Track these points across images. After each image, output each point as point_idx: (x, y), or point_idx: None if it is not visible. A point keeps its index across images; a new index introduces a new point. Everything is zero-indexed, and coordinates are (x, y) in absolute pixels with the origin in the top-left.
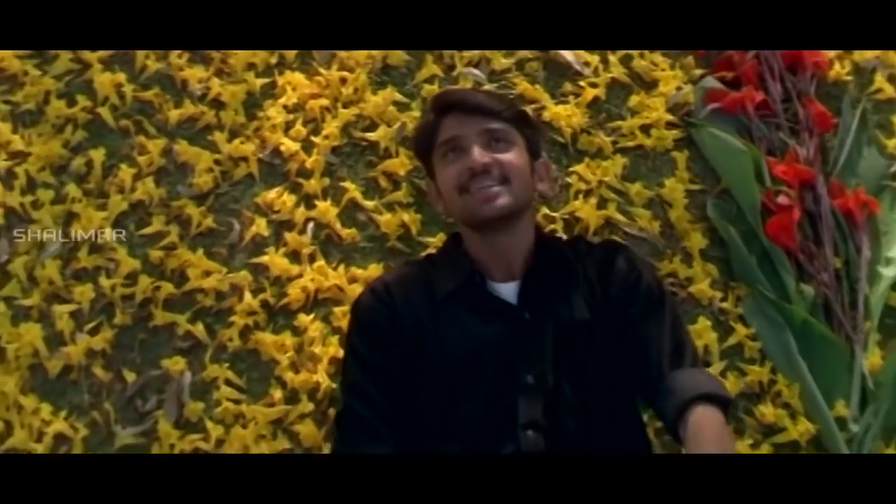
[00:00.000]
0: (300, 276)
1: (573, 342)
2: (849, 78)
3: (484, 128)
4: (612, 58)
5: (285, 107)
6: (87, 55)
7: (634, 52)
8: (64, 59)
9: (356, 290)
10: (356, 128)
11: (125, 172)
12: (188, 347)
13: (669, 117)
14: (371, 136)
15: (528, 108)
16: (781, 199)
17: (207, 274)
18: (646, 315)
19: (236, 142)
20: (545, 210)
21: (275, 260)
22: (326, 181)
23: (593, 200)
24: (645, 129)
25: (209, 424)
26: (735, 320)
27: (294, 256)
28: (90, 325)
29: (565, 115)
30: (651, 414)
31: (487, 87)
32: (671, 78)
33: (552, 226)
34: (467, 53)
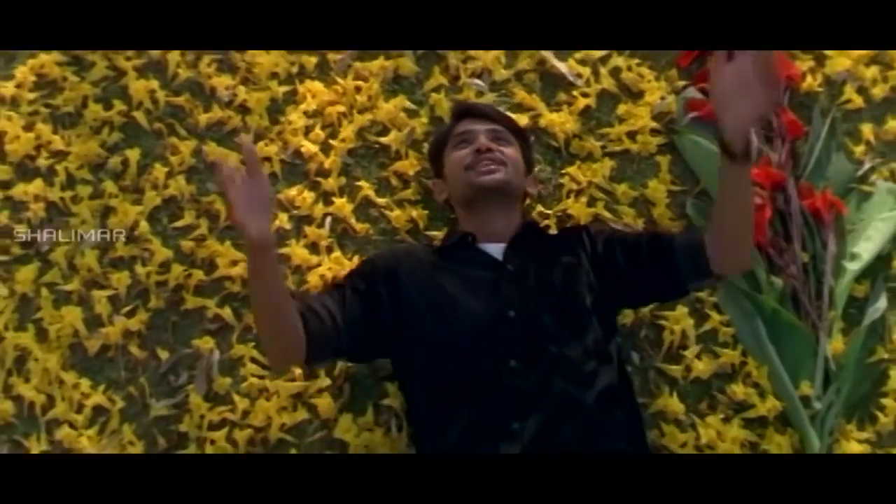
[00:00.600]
0: (319, 265)
1: (550, 287)
2: (820, 90)
3: (490, 128)
4: (603, 70)
5: (305, 112)
6: (122, 63)
7: (623, 65)
8: (101, 67)
9: None
10: (370, 132)
11: (159, 171)
12: (217, 329)
13: (654, 125)
14: (383, 139)
15: (526, 115)
16: (756, 200)
17: (234, 263)
18: (623, 237)
19: (260, 143)
20: (540, 208)
21: (296, 251)
22: (343, 180)
23: (584, 199)
24: (631, 135)
25: (236, 398)
26: (710, 308)
27: (313, 248)
28: (126, 309)
29: (559, 121)
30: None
31: (489, 95)
32: (656, 89)
33: (546, 221)
34: (471, 65)
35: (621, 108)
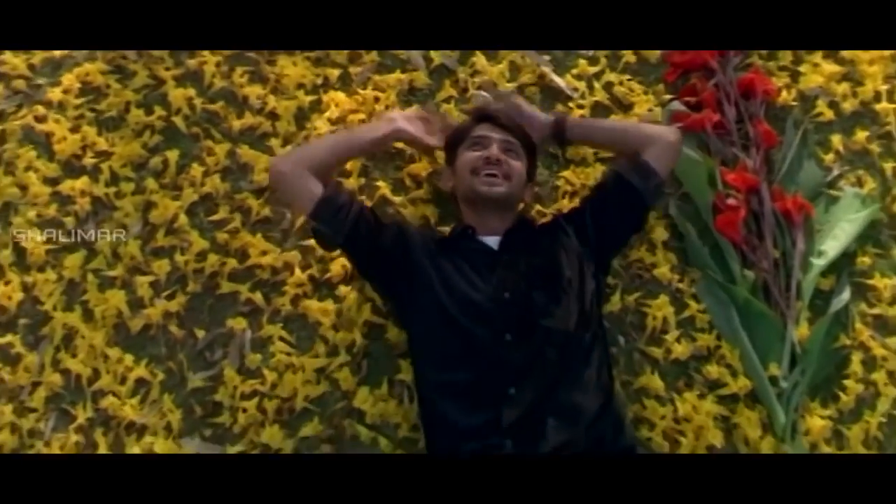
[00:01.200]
0: (340, 255)
1: (543, 272)
2: (794, 103)
3: (505, 138)
4: (597, 84)
5: (329, 119)
6: (162, 72)
7: (615, 80)
8: (142, 76)
9: None
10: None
11: (196, 170)
12: (249, 311)
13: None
14: (398, 143)
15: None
16: (730, 201)
17: (264, 253)
18: (586, 201)
19: (289, 147)
20: (538, 207)
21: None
22: (362, 180)
23: (577, 200)
24: None
25: (266, 371)
26: (689, 298)
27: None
28: (167, 293)
29: None
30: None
31: (494, 106)
32: (644, 102)
33: (543, 220)
34: (478, 78)
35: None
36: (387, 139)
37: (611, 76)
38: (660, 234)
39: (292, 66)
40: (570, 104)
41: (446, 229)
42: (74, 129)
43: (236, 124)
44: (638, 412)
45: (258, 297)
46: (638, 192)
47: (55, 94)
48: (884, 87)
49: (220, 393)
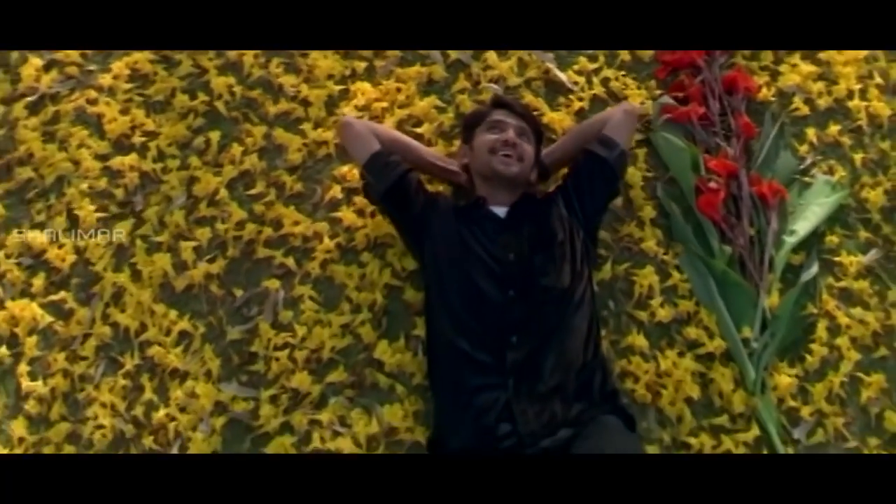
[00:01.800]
0: (364, 226)
1: (541, 238)
2: (773, 99)
3: (520, 124)
4: (595, 79)
5: (356, 107)
6: (206, 62)
7: (611, 76)
8: (186, 65)
9: None
10: (407, 123)
11: (236, 149)
12: (282, 273)
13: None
14: (418, 130)
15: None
16: (712, 185)
17: (297, 223)
18: (567, 178)
19: (319, 130)
20: (541, 188)
21: (346, 215)
22: None
23: None
24: None
25: (296, 326)
26: (672, 269)
27: (360, 213)
28: (208, 257)
29: (559, 119)
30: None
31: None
32: (637, 95)
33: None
34: (490, 73)
35: (608, 111)
36: (446, 172)
37: (608, 72)
38: (648, 212)
39: (323, 59)
40: (571, 97)
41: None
42: (124, 112)
43: (272, 109)
44: (625, 367)
45: (290, 261)
46: (604, 160)
47: (106, 79)
48: (856, 87)
49: (255, 344)
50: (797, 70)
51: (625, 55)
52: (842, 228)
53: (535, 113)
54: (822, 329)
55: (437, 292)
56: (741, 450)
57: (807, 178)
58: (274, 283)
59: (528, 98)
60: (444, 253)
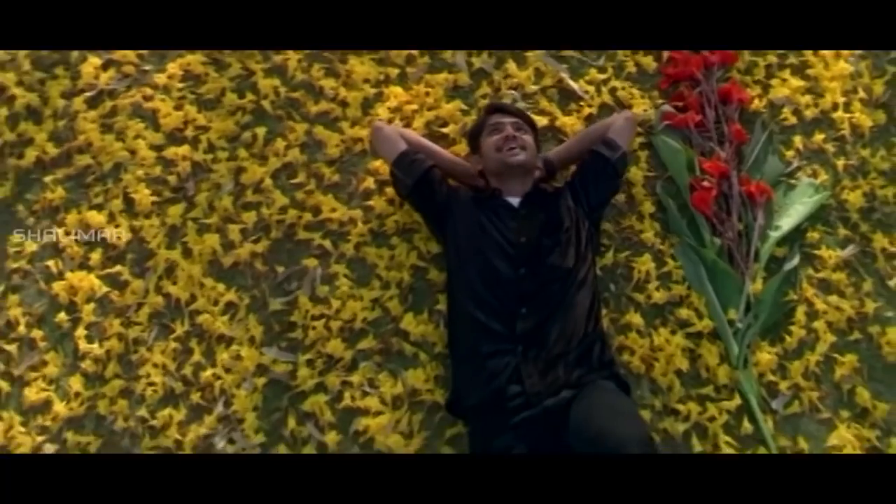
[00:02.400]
0: (394, 213)
1: (550, 225)
2: (764, 110)
3: (514, 121)
4: (604, 89)
5: (389, 108)
6: (253, 65)
7: (619, 86)
8: (236, 67)
9: None
10: (434, 124)
11: (280, 143)
12: (319, 253)
13: (638, 129)
14: (444, 130)
15: (546, 118)
16: (705, 184)
17: (334, 210)
18: (575, 174)
19: (356, 128)
20: (551, 183)
21: (378, 203)
22: None
23: None
24: None
25: (332, 299)
26: (668, 257)
27: (390, 202)
28: (253, 237)
29: (570, 123)
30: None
31: (521, 102)
32: (641, 104)
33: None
34: (509, 80)
35: (612, 117)
36: (464, 172)
37: (615, 83)
38: (647, 207)
39: (360, 65)
40: (582, 103)
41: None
42: (178, 108)
43: (313, 109)
44: (622, 342)
45: (327, 243)
46: (608, 160)
47: (161, 78)
48: (841, 100)
49: (294, 315)
50: (787, 84)
51: (631, 67)
52: (823, 226)
53: (548, 118)
54: (801, 313)
55: (458, 271)
56: (723, 417)
57: (792, 181)
58: (312, 262)
59: (543, 103)
60: (463, 237)
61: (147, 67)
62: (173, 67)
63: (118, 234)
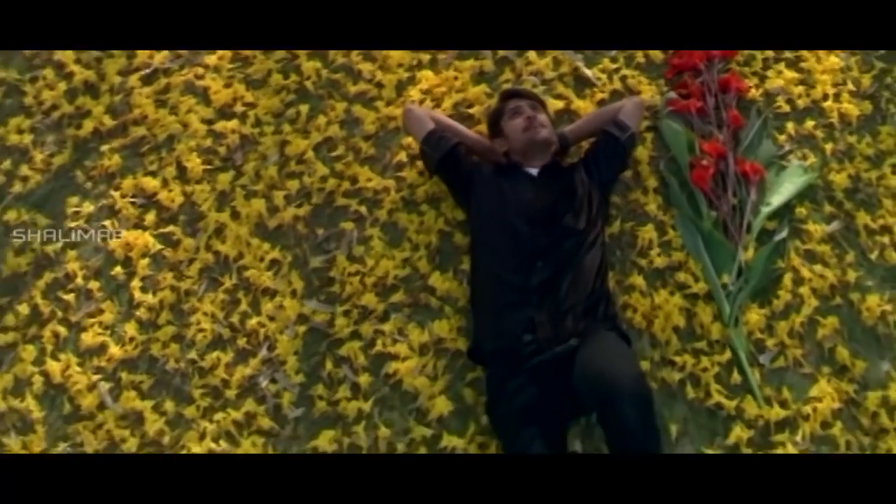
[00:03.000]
0: (423, 184)
1: (564, 192)
2: (760, 99)
3: (530, 102)
4: (615, 76)
5: (420, 90)
6: (297, 50)
7: (629, 74)
8: (280, 51)
9: None
10: (461, 106)
11: (321, 120)
12: (356, 218)
13: (645, 113)
14: (470, 111)
15: (562, 102)
16: (704, 163)
17: (369, 179)
18: (587, 152)
19: (390, 107)
20: (569, 159)
21: (409, 174)
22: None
23: None
24: None
25: (367, 259)
26: (669, 227)
27: (421, 173)
28: (296, 203)
29: (584, 107)
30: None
31: (540, 87)
32: (648, 90)
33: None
34: (530, 67)
35: (622, 101)
36: (485, 149)
37: (626, 71)
38: (651, 183)
39: (395, 50)
40: (595, 89)
41: None
42: (227, 86)
43: (352, 89)
44: (626, 301)
45: (363, 209)
46: (618, 140)
47: (212, 59)
48: (831, 91)
49: (332, 271)
50: (782, 76)
51: (640, 58)
52: (810, 203)
53: (564, 101)
54: (787, 280)
55: (480, 233)
56: (715, 368)
57: (783, 163)
58: (349, 225)
59: (560, 88)
60: (486, 202)
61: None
62: (223, 49)
63: (171, 197)
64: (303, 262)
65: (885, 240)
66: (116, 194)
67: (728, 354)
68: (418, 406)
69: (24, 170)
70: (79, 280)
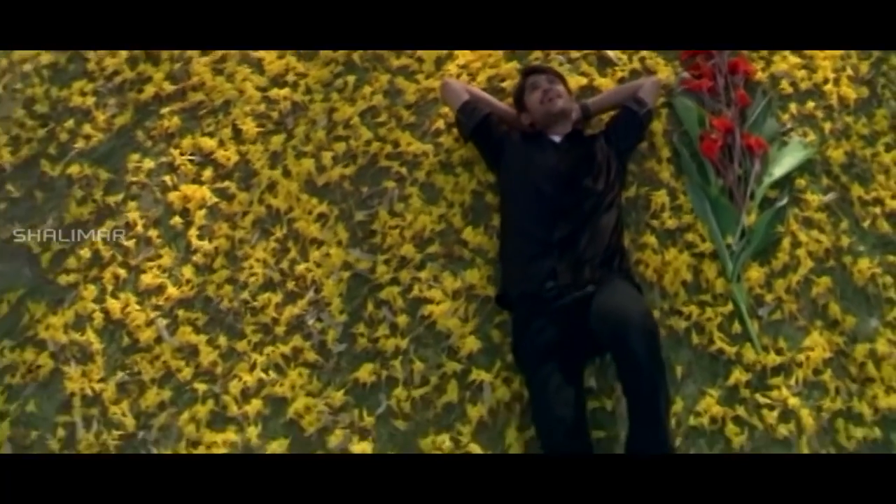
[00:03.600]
0: (459, 149)
1: (585, 158)
2: (766, 80)
3: (548, 76)
4: (634, 57)
5: (457, 66)
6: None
7: (646, 54)
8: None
9: None
10: (495, 80)
11: (366, 90)
12: (397, 178)
13: (661, 91)
14: (502, 85)
15: (586, 79)
16: (713, 136)
17: (410, 144)
18: (608, 125)
19: (430, 80)
20: (589, 130)
21: (446, 140)
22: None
23: None
24: None
25: (406, 214)
26: (680, 193)
27: (456, 140)
28: (343, 163)
29: (605, 84)
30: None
31: (565, 65)
32: (664, 70)
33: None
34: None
35: (641, 80)
36: (516, 121)
37: (643, 52)
38: (665, 153)
39: (425, 50)
40: (616, 68)
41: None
42: (280, 57)
43: (395, 62)
44: (640, 257)
45: (404, 170)
46: (636, 114)
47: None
48: (832, 76)
49: (375, 224)
50: (786, 60)
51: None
52: (809, 176)
53: (588, 78)
54: (786, 243)
55: (509, 193)
56: (718, 318)
57: (785, 139)
58: (391, 184)
59: (585, 67)
60: (515, 166)
61: None
62: (268, 50)
63: (227, 156)
64: (348, 215)
65: (877, 210)
66: (175, 152)
67: (730, 306)
68: (450, 344)
69: (87, 129)
70: (139, 228)
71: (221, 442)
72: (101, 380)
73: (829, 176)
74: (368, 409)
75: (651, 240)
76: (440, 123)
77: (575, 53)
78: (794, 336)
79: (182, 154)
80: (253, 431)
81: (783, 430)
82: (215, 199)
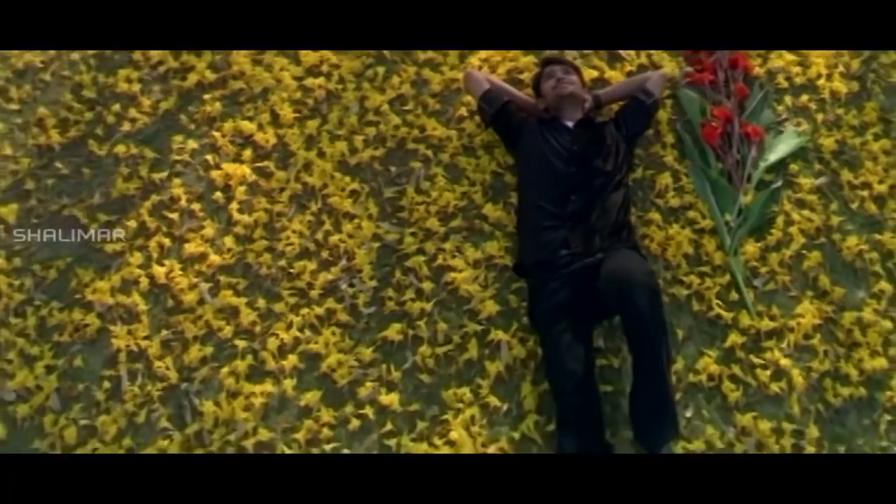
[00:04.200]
0: (480, 133)
1: (596, 141)
2: (763, 75)
3: (563, 67)
4: (642, 53)
5: (479, 59)
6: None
7: (654, 52)
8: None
9: None
10: (513, 72)
11: (395, 80)
12: (423, 160)
13: (666, 83)
14: (520, 76)
15: (597, 71)
16: (713, 124)
17: (435, 129)
18: (618, 112)
19: (454, 71)
20: (599, 117)
21: (468, 125)
22: None
23: None
24: None
25: (431, 192)
26: (682, 175)
27: (478, 126)
28: (373, 146)
29: (615, 77)
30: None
31: (578, 59)
32: (669, 64)
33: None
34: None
35: (649, 73)
36: (533, 108)
37: (650, 50)
38: (669, 139)
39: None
40: (625, 62)
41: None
42: (315, 50)
43: (421, 56)
44: (645, 232)
45: (429, 152)
46: (643, 103)
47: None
48: (824, 72)
49: (403, 200)
50: (783, 57)
51: None
52: (802, 161)
53: (599, 71)
54: (780, 221)
55: (525, 172)
56: (717, 288)
57: (780, 128)
58: (417, 164)
59: (596, 61)
60: (531, 148)
61: None
62: (294, 49)
63: (266, 139)
64: (378, 192)
65: (865, 193)
66: (217, 134)
67: (727, 277)
68: (471, 308)
69: (133, 112)
70: (182, 202)
71: (259, 392)
72: (146, 337)
73: (821, 162)
74: (396, 365)
75: (656, 217)
76: (463, 111)
77: (587, 51)
78: (786, 304)
79: (223, 136)
80: (289, 383)
81: (775, 388)
82: (254, 177)
